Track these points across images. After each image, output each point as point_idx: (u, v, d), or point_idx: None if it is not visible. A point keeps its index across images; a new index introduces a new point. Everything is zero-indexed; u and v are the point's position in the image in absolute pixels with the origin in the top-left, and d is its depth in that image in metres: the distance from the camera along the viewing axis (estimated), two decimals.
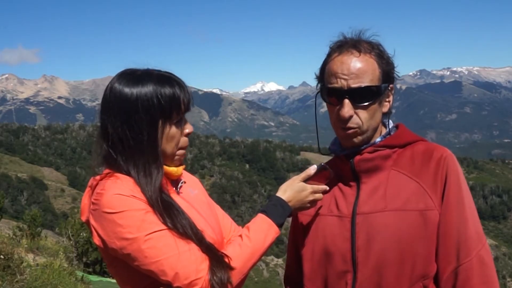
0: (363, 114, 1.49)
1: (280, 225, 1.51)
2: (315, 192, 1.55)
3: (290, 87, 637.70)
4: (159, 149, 1.42)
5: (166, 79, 1.43)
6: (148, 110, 1.39)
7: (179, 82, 1.45)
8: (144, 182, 1.38)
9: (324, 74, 1.54)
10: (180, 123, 1.46)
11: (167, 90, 1.40)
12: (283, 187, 1.57)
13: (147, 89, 1.39)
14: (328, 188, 1.57)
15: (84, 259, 13.04)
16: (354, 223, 1.50)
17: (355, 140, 1.52)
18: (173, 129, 1.44)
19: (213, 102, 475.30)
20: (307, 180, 1.56)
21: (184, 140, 1.48)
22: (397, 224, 1.44)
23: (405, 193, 1.47)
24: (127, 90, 1.40)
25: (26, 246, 10.01)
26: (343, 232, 1.52)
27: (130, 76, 1.43)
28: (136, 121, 1.39)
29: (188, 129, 1.48)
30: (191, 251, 1.35)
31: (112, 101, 1.41)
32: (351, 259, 1.49)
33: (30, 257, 8.67)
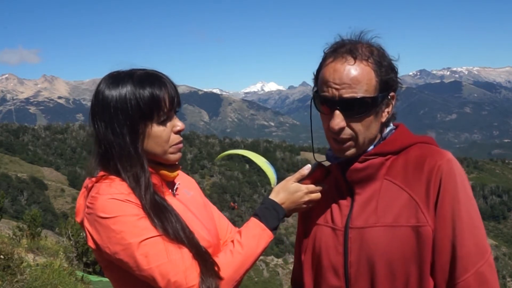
0: (356, 126, 1.39)
1: (273, 229, 1.48)
2: (311, 192, 1.50)
3: (290, 87, 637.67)
4: (140, 151, 1.40)
5: (146, 78, 1.40)
6: (127, 113, 1.38)
7: (161, 81, 1.41)
8: (134, 185, 1.37)
9: (318, 81, 1.44)
10: (166, 122, 1.42)
11: (146, 91, 1.38)
12: (276, 188, 1.53)
13: (125, 91, 1.38)
14: (325, 186, 1.52)
15: (84, 259, 13.03)
16: (347, 237, 1.43)
17: (348, 153, 1.43)
18: (158, 129, 1.41)
19: (213, 102, 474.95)
20: (302, 180, 1.52)
21: (174, 137, 1.44)
22: (388, 240, 1.36)
23: (396, 206, 1.38)
24: (107, 93, 1.40)
25: (26, 246, 10.02)
26: (336, 245, 1.46)
27: (113, 78, 1.42)
28: (117, 124, 1.38)
29: (178, 126, 1.45)
30: (183, 259, 1.33)
31: (96, 105, 1.42)
32: (343, 274, 1.43)
33: (30, 257, 8.68)
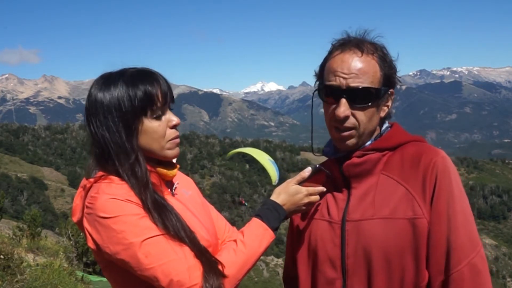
0: (360, 115, 1.44)
1: (275, 229, 1.50)
2: (310, 194, 1.53)
3: (290, 87, 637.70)
4: (136, 148, 1.40)
5: (138, 76, 1.41)
6: (120, 112, 1.38)
7: (152, 77, 1.42)
8: (133, 182, 1.38)
9: (324, 72, 1.49)
10: (161, 117, 1.43)
11: (138, 88, 1.38)
12: (277, 190, 1.56)
13: (117, 91, 1.39)
14: (325, 189, 1.55)
15: (84, 259, 13.00)
16: (344, 230, 1.47)
17: (349, 143, 1.47)
18: (153, 124, 1.41)
19: (213, 102, 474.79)
20: (302, 182, 1.55)
21: (171, 132, 1.45)
22: (386, 232, 1.40)
23: (393, 199, 1.43)
24: (100, 94, 1.41)
25: (26, 246, 10.01)
26: (333, 238, 1.49)
27: (104, 79, 1.44)
28: (112, 123, 1.39)
29: (174, 121, 1.45)
30: (186, 257, 1.33)
31: (90, 106, 1.43)
32: (340, 266, 1.47)
33: (30, 257, 8.67)
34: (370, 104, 1.43)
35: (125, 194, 1.35)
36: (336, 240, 1.48)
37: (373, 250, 1.41)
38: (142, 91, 1.38)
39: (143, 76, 1.42)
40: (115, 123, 1.39)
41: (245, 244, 1.44)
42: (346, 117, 1.43)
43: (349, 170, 1.49)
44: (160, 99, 1.41)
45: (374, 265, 1.41)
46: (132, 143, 1.39)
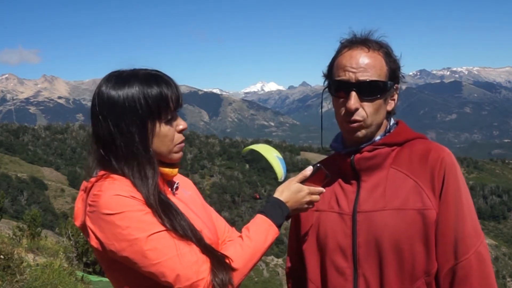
0: (368, 108, 1.52)
1: (279, 226, 1.52)
2: (312, 193, 1.57)
3: (290, 87, 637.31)
4: (151, 149, 1.40)
5: (152, 78, 1.41)
6: (136, 112, 1.37)
7: (166, 80, 1.43)
8: (140, 183, 1.36)
9: (333, 69, 1.58)
10: (172, 121, 1.44)
11: (154, 90, 1.38)
12: (280, 188, 1.59)
13: (133, 90, 1.38)
14: (324, 190, 1.60)
15: (84, 259, 12.99)
16: (355, 221, 1.53)
17: (359, 134, 1.54)
18: (164, 128, 1.42)
19: (213, 102, 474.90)
20: (304, 181, 1.58)
21: (178, 136, 1.46)
22: (396, 223, 1.47)
23: (403, 191, 1.50)
24: (113, 93, 1.38)
25: (26, 246, 10.00)
26: (343, 228, 1.55)
27: (116, 78, 1.42)
28: (125, 123, 1.38)
29: (181, 125, 1.46)
30: (192, 252, 1.33)
31: (101, 105, 1.40)
32: (351, 256, 1.53)
33: (30, 257, 8.67)
34: (378, 96, 1.52)
35: (129, 191, 1.34)
36: (347, 231, 1.54)
37: (385, 239, 1.48)
38: (157, 92, 1.39)
39: (157, 78, 1.42)
40: (129, 124, 1.37)
41: (251, 238, 1.45)
42: (356, 109, 1.51)
43: (360, 164, 1.56)
44: (174, 103, 1.42)
45: (385, 254, 1.47)
46: (146, 146, 1.39)
